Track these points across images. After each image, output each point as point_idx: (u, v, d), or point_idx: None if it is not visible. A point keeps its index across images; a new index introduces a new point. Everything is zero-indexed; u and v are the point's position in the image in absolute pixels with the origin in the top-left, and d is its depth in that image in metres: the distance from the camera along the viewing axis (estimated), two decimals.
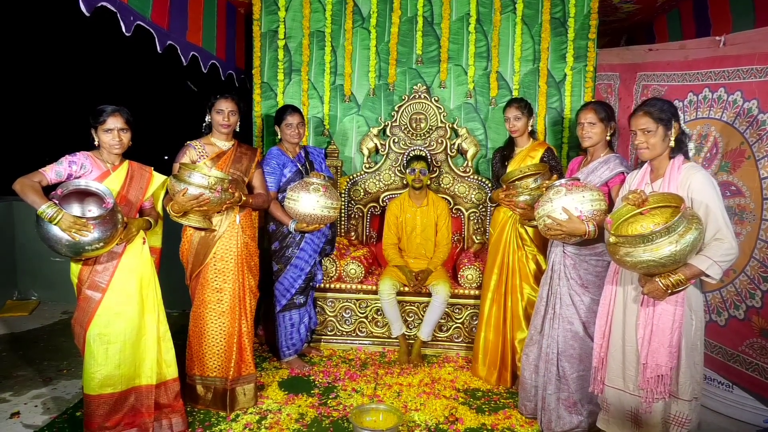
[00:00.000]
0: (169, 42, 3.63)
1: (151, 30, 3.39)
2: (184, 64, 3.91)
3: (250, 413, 3.04)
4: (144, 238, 2.74)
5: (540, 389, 2.92)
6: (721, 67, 3.21)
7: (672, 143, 2.36)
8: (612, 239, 2.23)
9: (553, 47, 4.27)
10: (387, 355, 3.91)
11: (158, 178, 2.82)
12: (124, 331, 2.63)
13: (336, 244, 4.20)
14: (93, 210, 2.55)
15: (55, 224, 2.38)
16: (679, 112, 2.59)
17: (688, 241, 2.09)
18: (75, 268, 2.63)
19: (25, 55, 6.00)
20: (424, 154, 4.13)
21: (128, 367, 2.66)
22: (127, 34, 3.12)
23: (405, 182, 4.26)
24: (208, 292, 3.02)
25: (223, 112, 3.05)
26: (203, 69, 4.23)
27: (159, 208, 2.89)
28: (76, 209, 2.53)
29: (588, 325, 2.78)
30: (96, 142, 2.65)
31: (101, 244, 2.44)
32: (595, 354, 2.56)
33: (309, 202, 3.25)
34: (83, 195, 2.55)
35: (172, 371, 2.82)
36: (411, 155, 4.20)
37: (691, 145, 2.46)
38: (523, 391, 3.03)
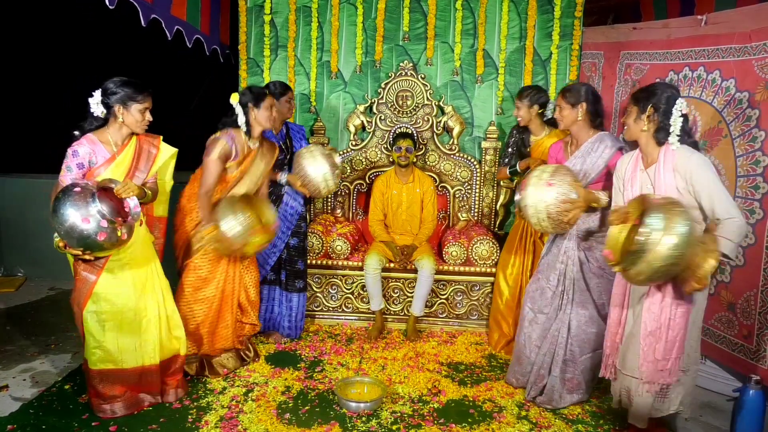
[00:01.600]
0: (153, 16, 3.58)
1: (135, 3, 3.35)
2: (169, 38, 3.87)
3: (237, 386, 3.10)
4: (141, 220, 2.71)
5: (539, 368, 2.97)
6: (702, 46, 3.24)
7: (645, 127, 2.39)
8: (616, 269, 2.27)
9: (539, 25, 4.27)
10: (373, 331, 3.97)
11: (165, 153, 2.77)
12: (120, 311, 2.68)
13: (322, 221, 4.24)
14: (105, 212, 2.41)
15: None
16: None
17: (683, 230, 2.05)
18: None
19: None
20: (410, 132, 4.15)
21: (128, 345, 2.72)
22: (110, 8, 3.08)
23: (391, 159, 4.29)
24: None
25: (271, 109, 3.12)
26: (188, 44, 4.19)
27: (169, 177, 2.91)
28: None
29: (602, 307, 2.84)
30: (115, 118, 2.58)
31: (115, 248, 2.51)
32: (609, 341, 2.61)
33: (321, 170, 3.45)
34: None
35: (178, 347, 2.90)
36: (397, 132, 4.21)
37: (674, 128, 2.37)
38: (519, 365, 3.08)
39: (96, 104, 2.59)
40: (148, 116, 2.65)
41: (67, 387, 3.05)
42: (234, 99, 3.07)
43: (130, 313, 2.71)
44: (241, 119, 3.08)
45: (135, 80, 2.61)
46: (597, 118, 2.85)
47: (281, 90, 3.61)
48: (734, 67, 3.04)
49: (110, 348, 2.69)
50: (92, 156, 2.56)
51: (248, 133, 3.12)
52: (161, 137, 2.79)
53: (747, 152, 3.00)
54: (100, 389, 2.73)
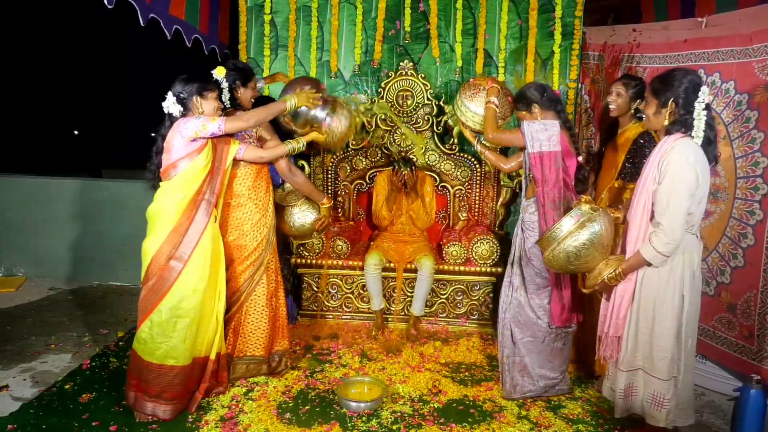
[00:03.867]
0: (151, 15, 3.58)
1: (134, 3, 3.34)
2: (168, 38, 3.87)
3: (237, 386, 3.10)
4: (216, 216, 2.82)
5: (501, 354, 3.08)
6: (702, 49, 3.24)
7: (666, 121, 2.35)
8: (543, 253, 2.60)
9: (540, 24, 4.27)
10: (373, 330, 3.98)
11: (234, 146, 2.88)
12: (195, 307, 2.71)
13: None
14: None
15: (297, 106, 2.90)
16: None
17: (587, 235, 2.41)
18: (150, 246, 2.68)
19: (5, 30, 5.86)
20: (403, 155, 4.16)
21: (192, 342, 2.74)
22: (109, 7, 3.08)
23: (391, 159, 4.30)
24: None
25: (255, 91, 3.17)
26: (187, 43, 4.18)
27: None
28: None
29: (531, 296, 2.95)
30: (193, 111, 2.73)
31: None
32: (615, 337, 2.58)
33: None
34: None
35: (215, 348, 2.89)
36: (396, 160, 4.17)
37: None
38: (500, 363, 3.14)
39: (172, 104, 2.72)
40: (219, 103, 2.83)
41: (67, 387, 3.05)
42: (220, 73, 2.95)
43: (201, 308, 2.74)
44: (225, 95, 2.97)
45: (197, 74, 2.79)
46: (551, 106, 2.92)
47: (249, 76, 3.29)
48: (735, 69, 3.03)
49: (176, 344, 2.69)
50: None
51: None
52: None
53: (746, 153, 3.00)
54: (150, 386, 2.70)
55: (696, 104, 2.29)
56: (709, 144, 2.34)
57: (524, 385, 3.00)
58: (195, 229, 2.71)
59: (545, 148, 2.79)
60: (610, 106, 3.16)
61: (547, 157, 2.80)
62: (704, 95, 2.29)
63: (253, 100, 3.12)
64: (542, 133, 2.80)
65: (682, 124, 2.32)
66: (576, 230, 2.43)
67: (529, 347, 2.98)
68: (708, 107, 2.32)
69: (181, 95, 2.72)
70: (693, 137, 2.30)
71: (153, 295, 2.68)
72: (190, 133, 2.67)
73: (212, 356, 2.89)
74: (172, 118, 2.74)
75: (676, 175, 2.25)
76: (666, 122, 2.36)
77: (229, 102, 3.00)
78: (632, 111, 3.13)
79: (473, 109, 3.12)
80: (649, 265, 2.36)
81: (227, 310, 3.05)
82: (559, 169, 2.81)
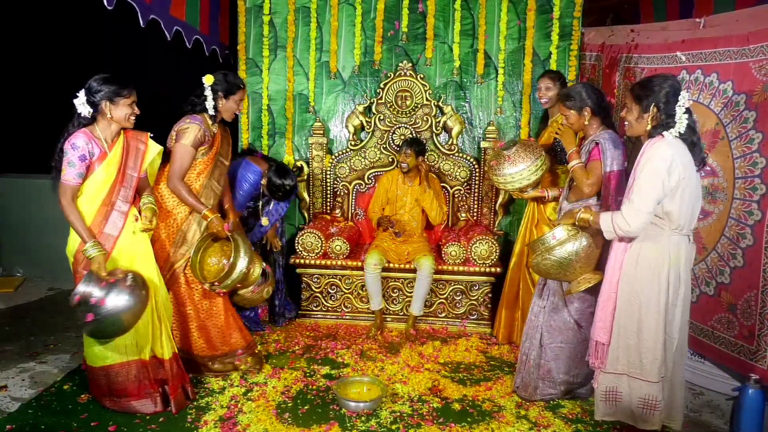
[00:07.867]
0: (152, 17, 3.58)
1: (134, 4, 3.35)
2: (168, 39, 3.88)
3: (236, 386, 3.10)
4: (136, 216, 2.75)
5: (521, 353, 3.06)
6: (699, 49, 3.24)
7: (648, 126, 2.38)
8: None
9: (538, 25, 4.28)
10: (372, 330, 3.98)
11: (154, 149, 2.81)
12: None
13: (321, 221, 4.25)
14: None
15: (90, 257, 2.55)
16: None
17: (570, 248, 2.57)
18: (72, 246, 2.69)
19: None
20: (414, 139, 4.11)
21: (124, 341, 2.72)
22: (109, 8, 3.08)
23: (391, 159, 4.30)
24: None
25: (239, 104, 3.15)
26: (188, 44, 4.19)
27: (152, 179, 2.92)
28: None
29: (571, 300, 2.88)
30: (103, 115, 2.61)
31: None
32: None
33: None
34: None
35: (167, 350, 2.82)
36: (405, 139, 4.16)
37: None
38: (519, 362, 3.11)
39: (82, 104, 2.61)
40: (136, 109, 2.69)
41: (66, 387, 3.05)
42: (209, 81, 2.99)
43: None
44: (209, 103, 3.00)
45: (109, 77, 2.63)
46: (602, 113, 2.85)
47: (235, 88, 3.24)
48: (732, 69, 3.04)
49: (113, 345, 2.71)
50: (91, 147, 2.60)
51: (213, 118, 3.06)
52: (149, 134, 2.82)
53: (744, 154, 3.00)
54: (98, 388, 2.79)
55: (677, 108, 2.31)
56: (693, 147, 2.36)
57: (544, 388, 2.98)
58: (107, 240, 2.65)
59: (616, 167, 2.72)
60: (542, 100, 3.51)
61: (617, 176, 2.72)
62: (684, 99, 2.31)
63: (238, 113, 3.24)
64: (615, 152, 2.73)
65: (664, 128, 2.34)
66: (564, 242, 2.60)
67: (557, 353, 2.94)
68: (689, 111, 2.33)
69: (92, 98, 2.59)
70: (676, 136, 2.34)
71: None
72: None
73: (165, 355, 2.81)
74: (81, 119, 2.62)
75: (648, 164, 2.31)
76: (648, 127, 2.38)
77: (213, 110, 3.04)
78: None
79: (512, 172, 3.20)
80: (610, 238, 2.48)
81: None
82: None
